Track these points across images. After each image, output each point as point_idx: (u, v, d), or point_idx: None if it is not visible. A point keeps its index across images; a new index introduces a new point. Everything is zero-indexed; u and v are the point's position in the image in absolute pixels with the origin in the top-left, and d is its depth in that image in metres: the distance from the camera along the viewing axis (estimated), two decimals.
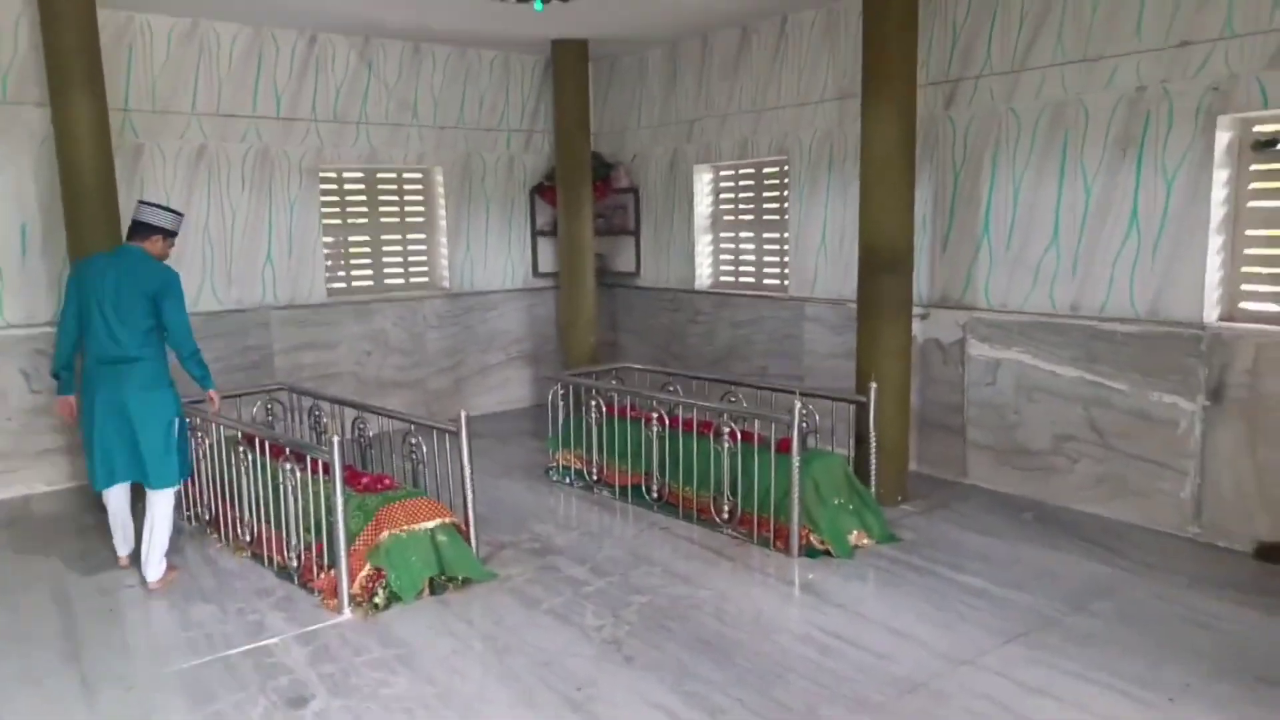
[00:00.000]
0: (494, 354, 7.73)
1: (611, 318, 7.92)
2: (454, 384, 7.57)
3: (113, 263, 4.04)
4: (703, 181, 7.07)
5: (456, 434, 4.19)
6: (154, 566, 4.11)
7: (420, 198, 7.42)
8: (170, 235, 4.18)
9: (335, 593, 3.81)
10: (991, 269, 5.07)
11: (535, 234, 7.79)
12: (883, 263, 4.82)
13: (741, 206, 6.84)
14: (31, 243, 5.71)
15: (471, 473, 4.23)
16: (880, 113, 4.70)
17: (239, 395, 5.50)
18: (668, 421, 4.98)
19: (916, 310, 5.28)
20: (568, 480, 5.56)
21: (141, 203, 4.18)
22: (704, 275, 7.14)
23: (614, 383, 5.72)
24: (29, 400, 5.81)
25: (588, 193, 7.05)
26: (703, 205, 7.10)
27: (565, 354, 7.19)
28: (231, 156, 6.37)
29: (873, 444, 4.77)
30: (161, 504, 4.12)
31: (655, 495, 4.99)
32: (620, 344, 7.85)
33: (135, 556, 4.34)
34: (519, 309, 7.78)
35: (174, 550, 4.58)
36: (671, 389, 5.53)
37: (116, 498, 4.25)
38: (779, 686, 3.07)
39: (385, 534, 3.85)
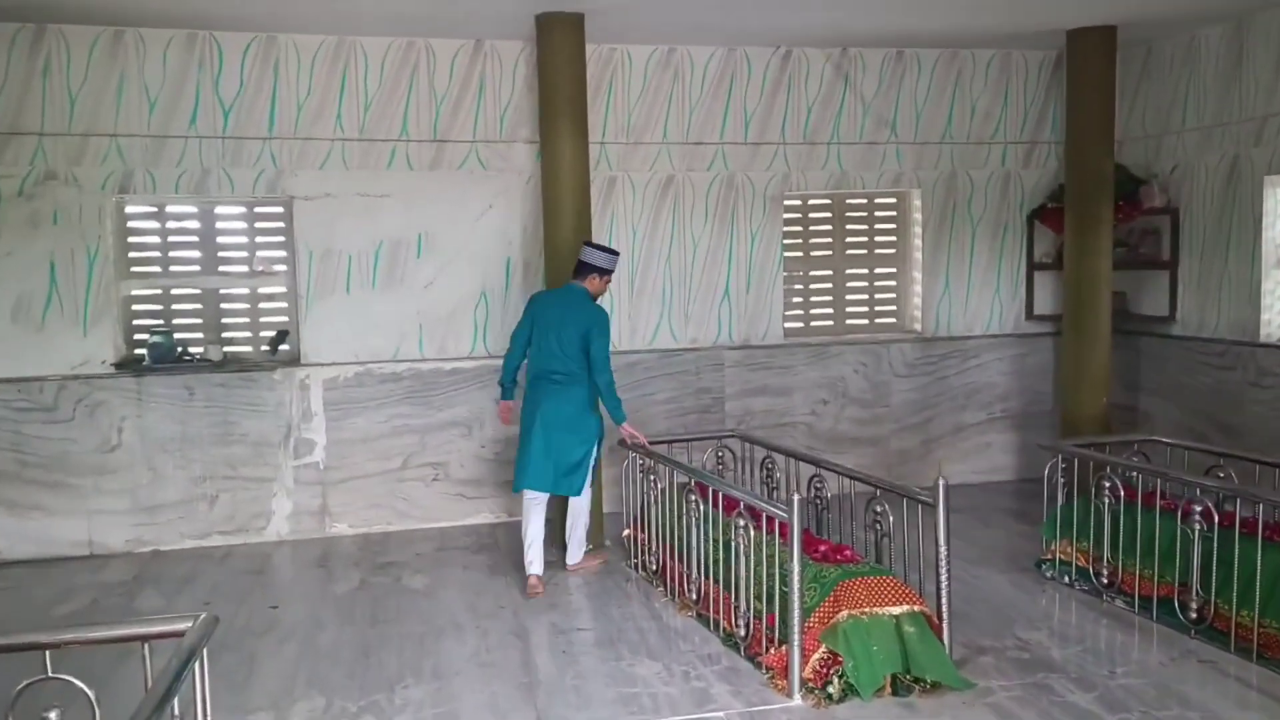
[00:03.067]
0: (972, 412, 7.63)
1: (1131, 374, 7.48)
2: (922, 445, 7.57)
3: (559, 297, 5.29)
4: (1277, 198, 6.41)
5: (932, 505, 4.12)
6: (574, 551, 5.38)
7: (892, 225, 7.58)
8: (606, 273, 5.30)
9: (786, 673, 3.93)
10: None
11: (1032, 267, 7.62)
12: None
13: None
14: (514, 276, 6.81)
15: (948, 555, 4.09)
16: None
17: (690, 440, 6.00)
18: (1215, 517, 4.49)
19: None
20: (1066, 579, 5.30)
21: (585, 244, 5.35)
22: (1275, 323, 6.47)
23: (1135, 459, 5.29)
24: (503, 431, 6.82)
25: (1107, 215, 6.76)
26: (1277, 229, 6.44)
27: (1065, 418, 6.94)
28: (697, 185, 7.03)
29: None
30: (577, 502, 5.33)
31: (1194, 615, 4.52)
32: (1142, 409, 7.38)
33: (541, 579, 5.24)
34: (1006, 359, 7.65)
35: (622, 597, 5.15)
36: (1221, 474, 5.02)
37: (533, 510, 5.23)
38: None
39: (844, 614, 3.90)
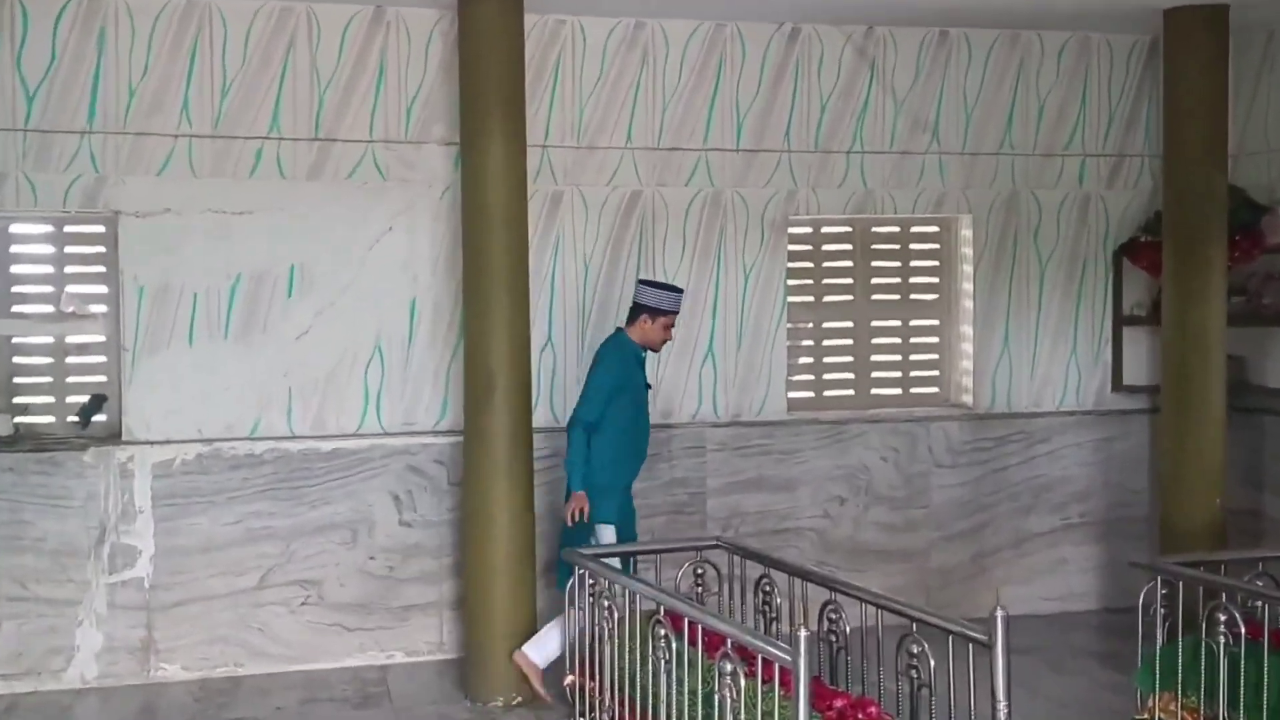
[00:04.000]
0: (1041, 515, 7.69)
1: (1254, 466, 7.58)
2: (973, 560, 7.63)
3: (631, 352, 6.20)
4: None
5: (987, 645, 4.13)
6: (538, 647, 5.91)
7: (933, 262, 7.72)
8: (660, 314, 6.02)
9: None
10: None
11: (1120, 320, 7.79)
12: None
13: None
14: (421, 323, 6.85)
15: (1009, 713, 4.11)
16: None
17: (659, 551, 6.00)
18: None
19: None
20: None
21: (639, 281, 6.20)
22: None
23: (1262, 583, 5.33)
24: (399, 536, 6.83)
25: (1219, 253, 6.92)
26: None
27: (1166, 526, 6.98)
28: (672, 204, 7.14)
29: None
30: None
31: None
32: (1269, 514, 7.48)
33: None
34: (1086, 445, 7.76)
35: None
36: None
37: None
38: None
39: None
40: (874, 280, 7.66)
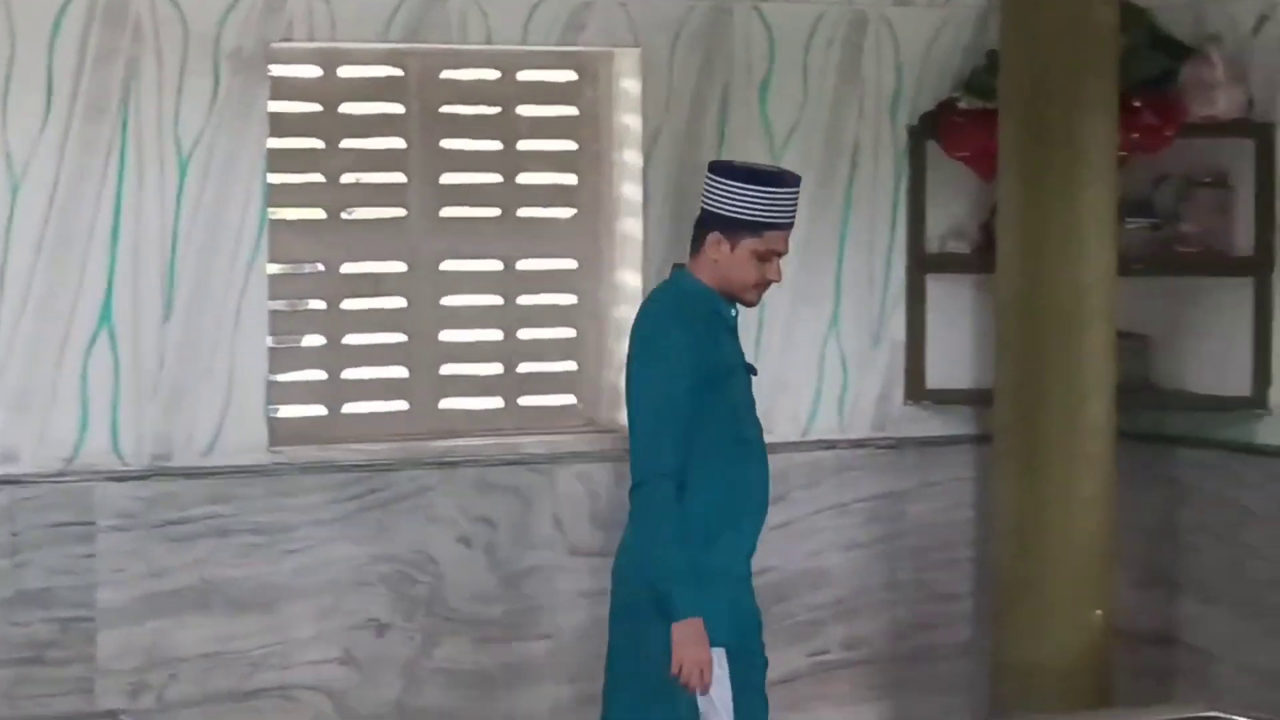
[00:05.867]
0: (772, 648, 5.32)
1: (1165, 542, 6.03)
2: None
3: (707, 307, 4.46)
4: None
5: None
6: None
7: (565, 144, 5.71)
8: (743, 229, 4.22)
9: None
10: None
11: (921, 264, 6.03)
12: None
13: None
14: None
15: None
16: None
17: None
18: None
19: None
20: None
21: (709, 169, 4.51)
22: None
23: None
24: None
25: (1105, 133, 5.40)
26: None
27: (1004, 663, 5.62)
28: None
29: None
30: None
31: None
32: (1188, 622, 6.00)
33: None
34: (855, 505, 5.98)
35: None
36: None
37: None
38: None
39: None
40: (445, 181, 5.55)
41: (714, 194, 4.20)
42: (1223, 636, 5.69)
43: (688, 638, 3.90)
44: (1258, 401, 5.46)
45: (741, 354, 4.38)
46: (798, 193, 4.25)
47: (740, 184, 4.16)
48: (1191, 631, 5.89)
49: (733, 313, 4.27)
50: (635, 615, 4.16)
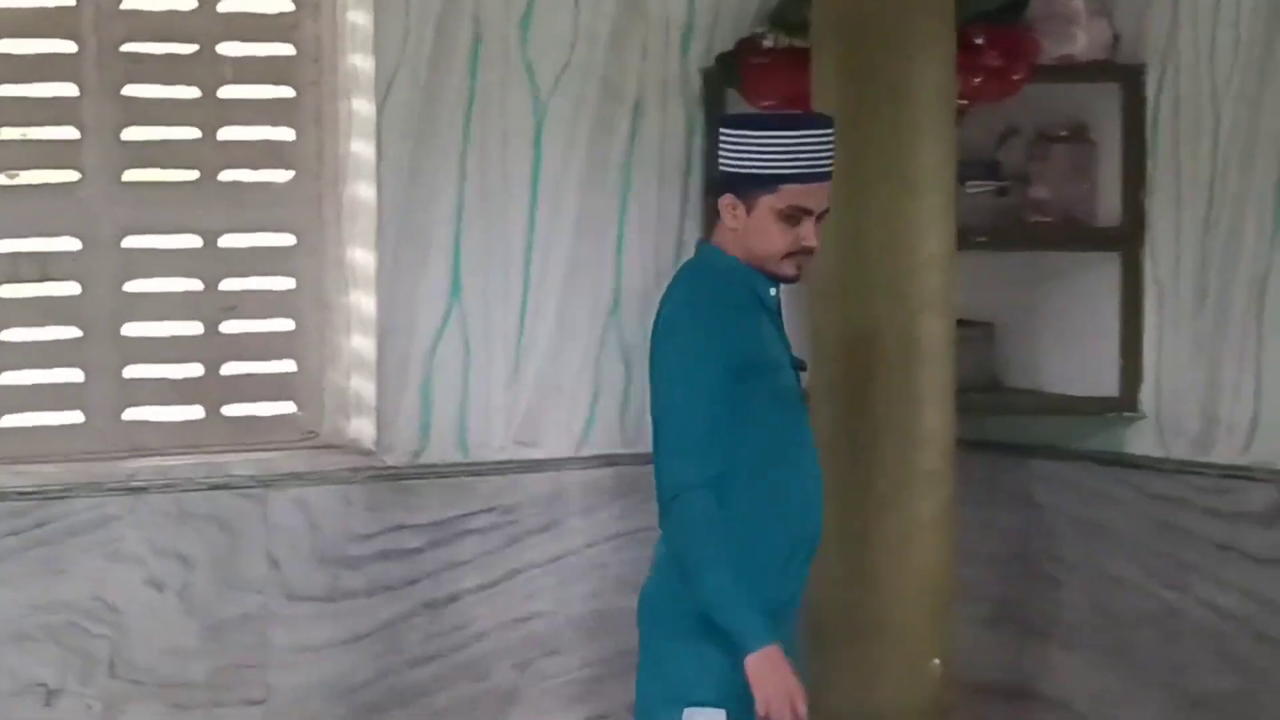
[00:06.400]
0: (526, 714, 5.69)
1: (1015, 575, 5.63)
2: None
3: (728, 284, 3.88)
4: None
5: None
6: None
7: (281, 91, 5.23)
8: (758, 185, 3.63)
9: None
10: None
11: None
12: None
13: None
14: None
15: None
16: None
17: None
18: None
19: None
20: None
21: (720, 125, 4.07)
22: None
23: None
24: None
25: (940, 75, 4.90)
26: None
27: (822, 703, 4.72)
28: None
29: None
30: None
31: None
32: (1052, 689, 5.55)
33: None
34: (636, 533, 5.43)
35: None
36: None
37: None
38: None
39: None
40: (128, 136, 4.95)
41: (722, 151, 3.71)
42: (1085, 687, 5.17)
43: (765, 670, 3.31)
44: (1126, 404, 5.00)
45: (787, 344, 3.72)
46: (825, 136, 3.52)
47: (747, 131, 3.68)
48: (1049, 681, 5.32)
49: (772, 292, 3.60)
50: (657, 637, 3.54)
